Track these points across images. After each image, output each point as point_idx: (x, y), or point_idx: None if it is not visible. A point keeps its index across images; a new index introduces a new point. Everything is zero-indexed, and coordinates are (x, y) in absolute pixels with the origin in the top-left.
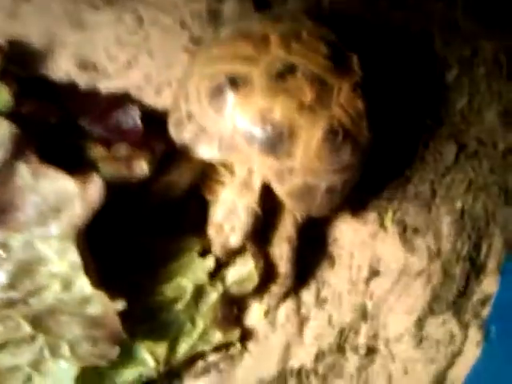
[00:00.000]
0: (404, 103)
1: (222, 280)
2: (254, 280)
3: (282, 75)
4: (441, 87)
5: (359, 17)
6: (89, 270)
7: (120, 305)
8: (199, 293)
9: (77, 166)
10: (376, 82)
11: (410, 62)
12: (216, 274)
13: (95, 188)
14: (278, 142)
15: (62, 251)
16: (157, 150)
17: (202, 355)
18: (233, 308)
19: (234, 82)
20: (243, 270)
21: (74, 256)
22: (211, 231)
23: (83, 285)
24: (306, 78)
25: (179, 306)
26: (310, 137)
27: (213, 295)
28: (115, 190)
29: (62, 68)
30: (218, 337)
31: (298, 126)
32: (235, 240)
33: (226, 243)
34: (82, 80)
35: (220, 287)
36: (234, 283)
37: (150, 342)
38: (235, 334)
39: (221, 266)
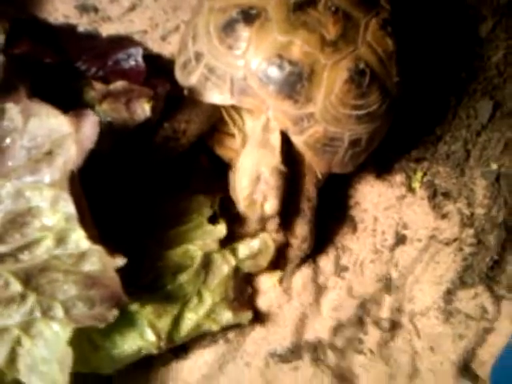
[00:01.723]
0: (436, 55)
1: (234, 252)
2: (270, 253)
3: (302, 7)
4: (475, 40)
5: None
6: (85, 222)
7: (120, 261)
8: (208, 263)
9: (72, 108)
10: (406, 28)
11: (442, 13)
12: (226, 244)
13: (89, 126)
14: (296, 84)
15: (54, 201)
16: (160, 90)
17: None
18: (246, 286)
19: (248, 16)
20: (257, 243)
21: (68, 206)
22: (242, 207)
23: (79, 239)
24: (328, 10)
25: (185, 275)
26: (333, 77)
27: (223, 268)
28: (116, 137)
29: (59, 10)
30: (227, 317)
31: (319, 65)
32: (271, 208)
33: (262, 214)
34: (82, 24)
35: (232, 260)
36: (247, 257)
37: (151, 315)
38: (247, 315)
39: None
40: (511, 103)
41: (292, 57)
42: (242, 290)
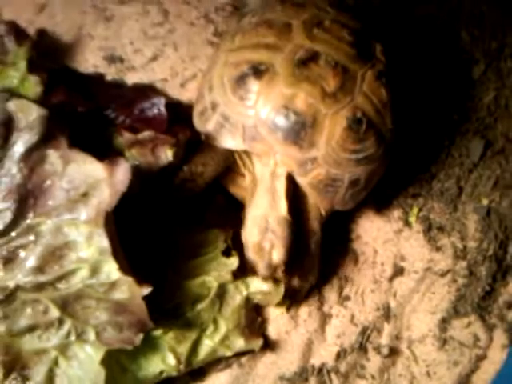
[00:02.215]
0: (430, 97)
1: (246, 285)
2: (279, 293)
3: (305, 63)
4: (467, 82)
5: (384, 11)
6: (117, 254)
7: (146, 290)
8: (222, 293)
9: (104, 153)
10: (401, 74)
11: (436, 56)
12: (238, 275)
13: (122, 172)
14: (300, 131)
15: (90, 236)
16: (181, 137)
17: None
18: (257, 316)
19: (257, 71)
20: (268, 285)
21: (102, 241)
22: (251, 254)
23: (111, 270)
24: (328, 65)
25: (203, 304)
26: (333, 126)
27: (237, 298)
28: (143, 178)
29: (89, 61)
30: (239, 343)
31: (320, 115)
32: (278, 256)
33: (269, 262)
34: (109, 73)
35: (244, 291)
36: (258, 292)
37: (172, 340)
38: (258, 342)
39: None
40: (502, 142)
41: (296, 108)
42: (253, 318)
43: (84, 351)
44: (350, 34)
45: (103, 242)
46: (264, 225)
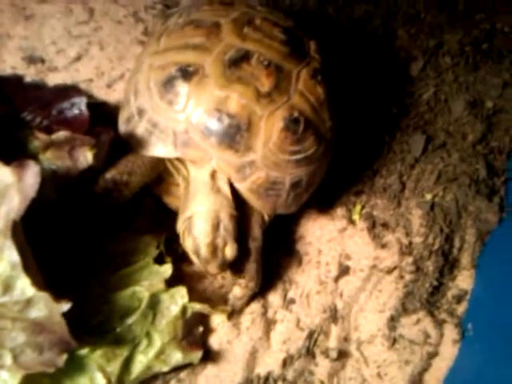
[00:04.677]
0: (369, 94)
1: (182, 295)
2: None
3: (236, 63)
4: (406, 78)
5: (321, 10)
6: (29, 269)
7: (65, 306)
8: (155, 304)
9: (16, 157)
10: (339, 72)
11: (374, 55)
12: (173, 283)
13: (31, 175)
14: (235, 134)
15: None
16: (103, 137)
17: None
18: (196, 325)
19: (186, 72)
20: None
21: (12, 254)
22: (204, 254)
23: (24, 286)
24: (261, 64)
25: (133, 317)
26: (270, 127)
27: (172, 309)
28: (60, 184)
29: (7, 62)
30: (177, 357)
31: (256, 116)
32: (231, 251)
33: (223, 260)
34: (29, 74)
35: (179, 301)
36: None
37: (101, 359)
38: (197, 355)
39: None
40: (442, 136)
41: (230, 110)
42: (192, 329)
43: None
44: (283, 32)
45: (14, 255)
46: (216, 221)
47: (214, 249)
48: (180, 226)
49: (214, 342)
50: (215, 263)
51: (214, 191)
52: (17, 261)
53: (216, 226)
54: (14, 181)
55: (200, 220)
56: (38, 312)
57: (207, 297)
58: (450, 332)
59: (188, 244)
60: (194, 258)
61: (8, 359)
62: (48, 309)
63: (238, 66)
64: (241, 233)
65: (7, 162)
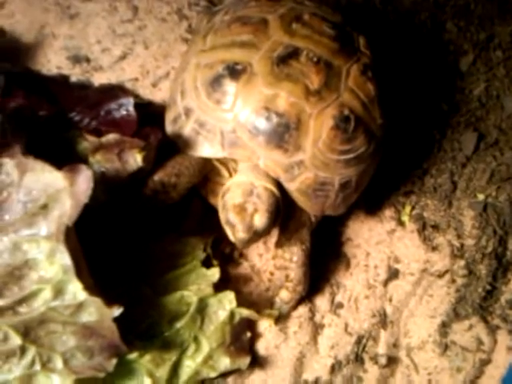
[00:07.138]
0: (418, 91)
1: (230, 300)
2: None
3: (285, 60)
4: (456, 74)
5: (368, 4)
6: (81, 273)
7: (117, 311)
8: (203, 308)
9: (66, 160)
10: (388, 68)
11: (423, 49)
12: (219, 286)
13: (83, 180)
14: (284, 134)
15: (51, 253)
16: (152, 139)
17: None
18: (244, 330)
19: (234, 71)
20: None
21: (64, 258)
22: (231, 215)
23: (76, 290)
24: (310, 61)
25: (182, 321)
26: (319, 125)
27: (220, 314)
28: (110, 186)
29: (52, 61)
30: (225, 363)
31: (305, 115)
32: (261, 220)
33: (250, 224)
34: (74, 74)
35: (227, 306)
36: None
37: (150, 364)
38: (245, 360)
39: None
40: (495, 134)
41: (278, 108)
42: (239, 334)
43: (50, 381)
44: (332, 27)
45: (66, 259)
46: (249, 188)
47: (241, 210)
48: (219, 199)
49: (261, 346)
50: (242, 226)
51: (253, 169)
52: (69, 265)
53: (248, 192)
54: (66, 185)
55: (234, 186)
56: (88, 316)
57: (253, 299)
58: (504, 338)
59: (220, 210)
60: (226, 228)
61: (59, 363)
62: (99, 313)
63: (287, 63)
64: (288, 236)
65: (57, 163)
